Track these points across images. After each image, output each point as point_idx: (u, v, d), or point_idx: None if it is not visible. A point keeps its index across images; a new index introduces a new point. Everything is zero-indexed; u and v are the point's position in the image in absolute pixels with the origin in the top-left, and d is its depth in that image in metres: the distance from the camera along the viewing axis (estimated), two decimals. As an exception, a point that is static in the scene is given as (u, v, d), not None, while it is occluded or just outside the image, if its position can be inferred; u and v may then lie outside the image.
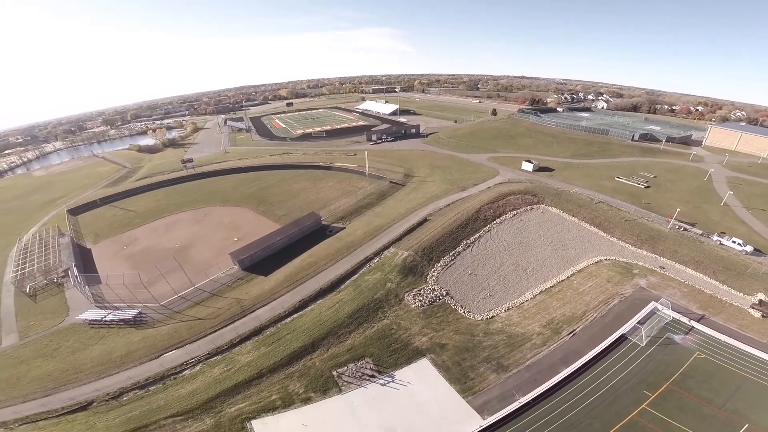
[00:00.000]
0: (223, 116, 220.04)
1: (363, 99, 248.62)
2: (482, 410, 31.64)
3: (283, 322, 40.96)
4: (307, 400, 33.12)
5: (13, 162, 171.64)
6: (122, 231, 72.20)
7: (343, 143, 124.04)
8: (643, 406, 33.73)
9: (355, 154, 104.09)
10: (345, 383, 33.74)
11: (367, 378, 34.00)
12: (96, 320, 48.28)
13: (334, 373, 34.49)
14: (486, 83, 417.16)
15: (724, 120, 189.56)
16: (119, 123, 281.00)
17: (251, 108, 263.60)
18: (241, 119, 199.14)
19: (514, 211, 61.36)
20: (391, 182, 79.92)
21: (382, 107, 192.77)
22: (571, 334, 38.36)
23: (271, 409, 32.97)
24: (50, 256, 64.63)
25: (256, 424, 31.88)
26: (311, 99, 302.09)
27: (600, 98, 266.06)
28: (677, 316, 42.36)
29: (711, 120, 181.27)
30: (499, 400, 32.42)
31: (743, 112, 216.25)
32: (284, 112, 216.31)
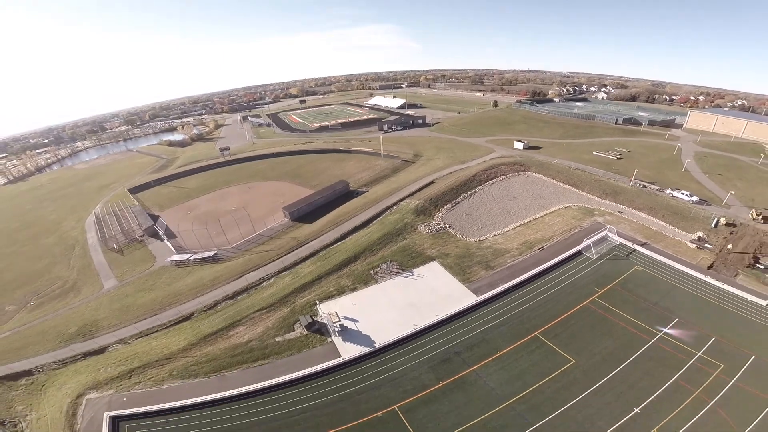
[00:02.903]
0: (240, 114, 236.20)
1: (371, 95, 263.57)
2: (476, 291, 46.46)
3: (330, 247, 56.47)
4: (354, 289, 48.35)
5: (49, 159, 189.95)
6: (183, 201, 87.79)
7: (357, 133, 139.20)
8: (593, 297, 46.18)
9: (369, 141, 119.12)
10: (379, 277, 49.28)
11: (395, 273, 49.59)
12: (182, 260, 62.18)
13: (371, 272, 50.14)
14: (491, 77, 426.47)
15: (718, 107, 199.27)
16: (138, 123, 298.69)
17: (265, 106, 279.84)
18: (258, 116, 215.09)
19: (504, 176, 76.32)
20: (402, 160, 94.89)
21: (390, 102, 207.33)
22: (540, 249, 53.23)
23: (329, 296, 47.76)
24: (128, 221, 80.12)
25: (320, 306, 46.27)
26: (321, 96, 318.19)
27: (602, 90, 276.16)
28: (623, 241, 56.32)
29: (705, 108, 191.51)
30: (488, 286, 47.20)
31: (744, 101, 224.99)
32: (298, 109, 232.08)
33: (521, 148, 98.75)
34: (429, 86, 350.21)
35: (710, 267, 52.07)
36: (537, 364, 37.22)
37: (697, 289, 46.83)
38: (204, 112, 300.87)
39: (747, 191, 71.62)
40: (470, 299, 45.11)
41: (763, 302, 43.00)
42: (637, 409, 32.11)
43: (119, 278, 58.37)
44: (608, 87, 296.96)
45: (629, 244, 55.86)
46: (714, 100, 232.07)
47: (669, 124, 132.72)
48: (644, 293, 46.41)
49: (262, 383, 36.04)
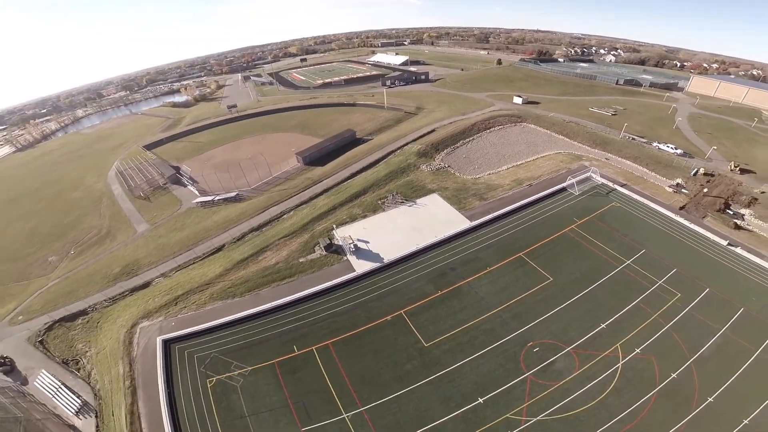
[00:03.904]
0: (241, 74, 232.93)
1: (373, 52, 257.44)
2: (470, 218, 53.55)
3: (342, 184, 63.41)
4: (364, 217, 55.53)
5: (53, 126, 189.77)
6: (198, 154, 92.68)
7: (361, 89, 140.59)
8: (572, 226, 52.05)
9: (373, 96, 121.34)
10: (386, 206, 56.71)
11: (400, 202, 57.10)
12: (207, 201, 67.43)
13: (379, 202, 57.51)
14: (497, 36, 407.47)
15: (728, 74, 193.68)
16: (137, 88, 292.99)
17: (266, 66, 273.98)
18: (260, 75, 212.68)
19: (501, 126, 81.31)
20: (405, 112, 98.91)
21: (392, 59, 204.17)
22: (528, 185, 60.03)
23: (344, 223, 54.77)
24: (150, 172, 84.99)
25: (336, 231, 53.17)
26: (322, 54, 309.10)
27: (610, 53, 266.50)
28: (605, 181, 62.33)
29: (713, 74, 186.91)
30: (481, 214, 54.27)
31: (760, 71, 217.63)
32: (300, 67, 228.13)
33: (520, 103, 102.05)
34: (432, 44, 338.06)
35: (682, 208, 55.93)
36: (520, 279, 42.80)
37: (667, 226, 51.51)
38: (203, 74, 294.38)
39: (732, 149, 74.17)
40: (465, 224, 52.29)
41: (724, 242, 47.17)
42: (603, 325, 36.46)
43: (150, 222, 62.74)
44: (619, 50, 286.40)
45: (610, 184, 61.46)
46: (728, 68, 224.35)
47: (670, 87, 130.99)
48: (618, 226, 51.55)
49: (290, 297, 41.60)
